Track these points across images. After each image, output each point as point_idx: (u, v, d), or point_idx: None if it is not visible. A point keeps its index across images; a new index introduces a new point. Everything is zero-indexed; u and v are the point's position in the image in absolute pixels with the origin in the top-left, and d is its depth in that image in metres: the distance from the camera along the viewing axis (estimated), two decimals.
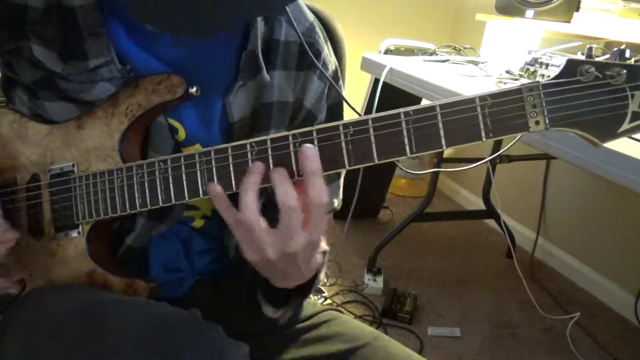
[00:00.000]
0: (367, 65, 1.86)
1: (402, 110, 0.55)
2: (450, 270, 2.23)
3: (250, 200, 0.57)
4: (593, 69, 0.52)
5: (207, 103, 0.72)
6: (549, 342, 1.82)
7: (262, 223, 0.57)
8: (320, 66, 0.76)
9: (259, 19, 0.72)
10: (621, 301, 2.00)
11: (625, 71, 0.52)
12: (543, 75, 1.42)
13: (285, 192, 0.56)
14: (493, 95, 0.53)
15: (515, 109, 0.53)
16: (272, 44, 0.73)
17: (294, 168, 0.58)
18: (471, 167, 1.96)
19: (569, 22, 1.59)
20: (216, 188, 0.58)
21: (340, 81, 0.84)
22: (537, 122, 0.53)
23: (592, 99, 0.52)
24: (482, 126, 0.54)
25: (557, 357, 1.75)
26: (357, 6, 2.72)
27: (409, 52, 2.14)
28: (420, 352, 1.70)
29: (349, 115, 0.86)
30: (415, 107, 0.55)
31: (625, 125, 0.53)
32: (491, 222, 2.52)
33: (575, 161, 1.01)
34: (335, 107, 0.82)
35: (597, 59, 0.53)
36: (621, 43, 1.34)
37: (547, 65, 1.42)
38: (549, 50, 1.46)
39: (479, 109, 0.54)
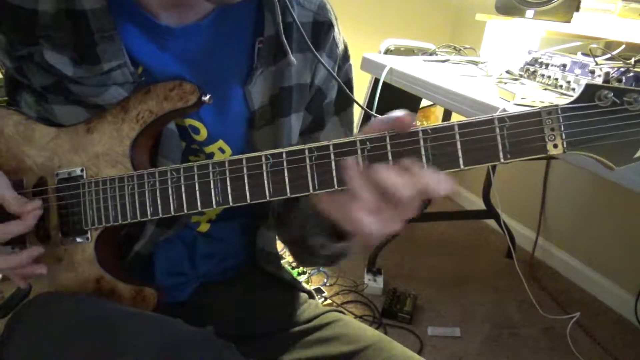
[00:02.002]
0: (367, 65, 1.86)
1: (419, 128, 0.55)
2: (450, 270, 2.23)
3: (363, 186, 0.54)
4: (611, 94, 0.53)
5: (224, 95, 0.71)
6: (549, 342, 1.82)
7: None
8: (324, 46, 0.76)
9: (276, 3, 0.71)
10: (621, 301, 2.00)
11: None
12: (543, 75, 1.42)
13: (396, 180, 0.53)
14: (512, 117, 0.54)
15: (533, 132, 0.54)
16: (286, 27, 0.73)
17: (310, 182, 0.58)
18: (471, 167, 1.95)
19: (569, 22, 1.58)
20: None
21: (350, 61, 0.83)
22: (555, 146, 0.53)
23: (610, 124, 0.53)
24: (500, 147, 0.54)
25: (557, 357, 1.75)
26: (357, 6, 2.72)
27: (409, 52, 2.14)
28: (420, 352, 1.70)
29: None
30: (433, 125, 0.55)
31: None
32: (491, 222, 2.52)
33: (575, 161, 1.01)
34: (346, 86, 0.81)
35: (615, 85, 0.53)
36: (621, 43, 1.34)
37: (547, 65, 1.43)
38: (549, 50, 1.46)
39: (497, 129, 0.54)
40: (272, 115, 0.74)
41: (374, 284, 2.03)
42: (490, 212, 2.37)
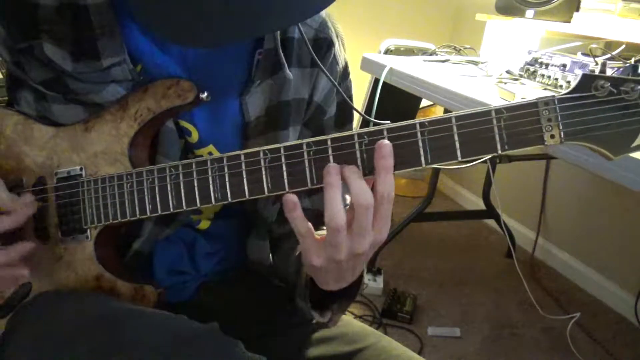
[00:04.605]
0: (367, 65, 1.86)
1: (417, 120, 0.55)
2: (450, 270, 2.24)
3: (338, 202, 0.54)
4: (608, 84, 0.53)
5: (220, 103, 0.71)
6: (549, 342, 1.82)
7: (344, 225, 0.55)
8: (324, 65, 0.75)
9: None
10: (621, 301, 2.00)
11: (639, 87, 0.52)
12: (543, 75, 1.42)
13: (362, 190, 0.54)
14: (509, 108, 0.54)
15: (531, 122, 0.54)
16: (286, 41, 0.73)
17: (308, 177, 0.58)
18: (471, 166, 1.96)
19: (569, 22, 1.59)
20: (292, 198, 0.55)
21: (350, 77, 0.83)
22: (553, 136, 0.54)
23: (606, 113, 0.53)
24: (497, 138, 0.54)
25: (557, 357, 1.75)
26: (357, 6, 2.72)
27: (409, 52, 2.14)
28: (420, 352, 1.70)
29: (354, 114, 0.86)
30: (431, 118, 0.55)
31: (638, 140, 0.53)
32: (491, 222, 2.52)
33: (575, 161, 1.01)
34: (345, 104, 0.82)
35: (609, 74, 0.54)
36: (621, 43, 1.35)
37: (547, 65, 1.43)
38: (549, 50, 1.46)
39: (494, 121, 0.54)
40: (267, 127, 0.74)
41: (374, 284, 2.03)
42: (490, 212, 2.37)
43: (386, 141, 0.54)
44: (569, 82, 1.33)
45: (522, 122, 0.54)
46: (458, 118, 0.54)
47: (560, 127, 0.53)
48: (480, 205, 2.42)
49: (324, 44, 0.77)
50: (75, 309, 0.60)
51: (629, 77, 0.54)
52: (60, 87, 0.68)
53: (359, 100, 2.24)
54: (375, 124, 0.60)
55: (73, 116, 0.69)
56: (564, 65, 1.36)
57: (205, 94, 0.66)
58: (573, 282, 2.21)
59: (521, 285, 2.01)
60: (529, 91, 1.34)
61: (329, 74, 0.76)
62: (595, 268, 2.14)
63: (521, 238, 2.44)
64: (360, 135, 0.56)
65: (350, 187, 0.54)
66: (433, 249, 2.41)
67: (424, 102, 2.41)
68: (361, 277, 0.66)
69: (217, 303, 0.80)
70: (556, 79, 1.37)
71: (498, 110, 0.54)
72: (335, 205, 0.53)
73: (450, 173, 2.97)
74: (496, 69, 1.62)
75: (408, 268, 2.21)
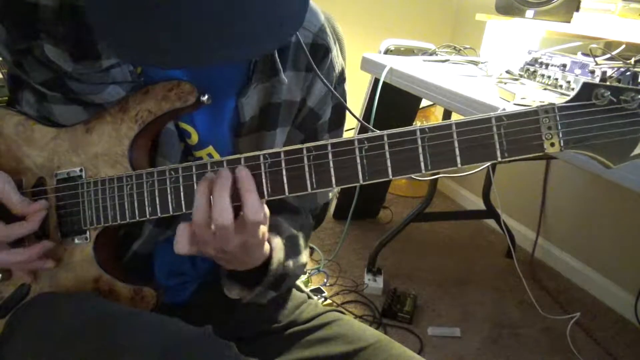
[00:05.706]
0: (367, 65, 1.86)
1: (417, 127, 0.56)
2: (450, 270, 2.23)
3: (203, 203, 0.59)
4: (608, 93, 0.53)
5: (218, 104, 0.72)
6: (549, 342, 1.82)
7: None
8: (321, 70, 0.76)
9: None
10: (621, 301, 2.00)
11: (639, 96, 0.53)
12: (543, 75, 1.42)
13: (221, 210, 0.57)
14: (509, 116, 0.54)
15: (530, 130, 0.54)
16: (284, 45, 0.73)
17: (308, 181, 0.58)
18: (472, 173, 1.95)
19: (569, 22, 1.58)
20: None
21: (346, 82, 0.84)
22: (552, 144, 0.54)
23: (606, 122, 0.53)
24: (497, 146, 0.54)
25: (557, 357, 1.75)
26: (357, 6, 2.72)
27: (409, 52, 2.14)
28: (420, 352, 1.70)
29: (351, 116, 0.87)
30: (431, 124, 0.56)
31: (638, 149, 0.53)
32: (491, 222, 2.52)
33: (575, 161, 1.01)
34: (340, 107, 0.83)
35: (609, 74, 0.54)
36: (621, 43, 1.35)
37: (547, 65, 1.42)
38: (549, 50, 1.46)
39: (494, 128, 0.54)
40: (258, 127, 0.75)
41: (374, 284, 2.03)
42: (490, 212, 2.37)
43: (241, 166, 0.59)
44: (569, 82, 1.33)
45: (522, 129, 0.54)
46: (458, 125, 0.55)
47: (560, 136, 0.54)
48: (480, 205, 2.42)
49: (320, 50, 0.77)
50: (72, 311, 0.60)
51: (629, 86, 0.54)
52: (61, 88, 0.68)
53: (358, 100, 2.24)
54: (371, 132, 0.60)
55: (74, 117, 0.69)
56: (564, 65, 1.36)
57: (206, 96, 0.66)
58: (573, 282, 2.21)
59: (521, 285, 2.01)
60: (529, 91, 1.34)
61: (324, 80, 0.76)
62: (595, 268, 2.14)
63: (521, 238, 2.44)
64: (360, 140, 0.57)
65: (213, 203, 0.58)
66: (433, 249, 2.41)
67: (424, 102, 2.41)
68: (268, 264, 0.69)
69: (216, 304, 0.80)
70: (556, 79, 1.37)
71: (498, 118, 0.54)
72: (200, 205, 0.59)
73: (450, 173, 2.96)
74: (496, 69, 1.62)
75: (408, 268, 2.21)
